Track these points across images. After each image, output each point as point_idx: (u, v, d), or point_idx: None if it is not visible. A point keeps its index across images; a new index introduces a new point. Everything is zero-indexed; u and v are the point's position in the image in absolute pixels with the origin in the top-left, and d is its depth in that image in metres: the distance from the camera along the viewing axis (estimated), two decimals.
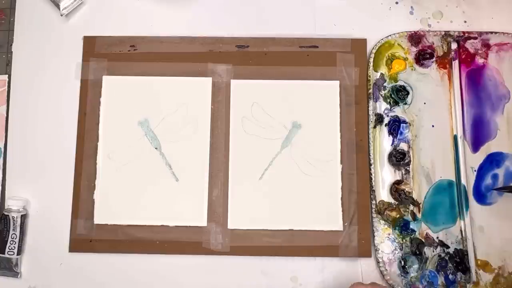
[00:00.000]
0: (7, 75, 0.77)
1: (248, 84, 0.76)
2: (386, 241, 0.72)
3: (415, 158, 0.73)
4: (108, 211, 0.73)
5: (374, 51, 0.76)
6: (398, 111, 0.75)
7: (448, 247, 0.71)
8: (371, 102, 0.75)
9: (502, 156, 0.73)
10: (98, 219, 0.73)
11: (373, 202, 0.73)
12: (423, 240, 0.71)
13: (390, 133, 0.74)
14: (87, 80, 0.76)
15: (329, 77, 0.76)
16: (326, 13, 0.78)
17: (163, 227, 0.73)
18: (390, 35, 0.76)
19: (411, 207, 0.72)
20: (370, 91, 0.75)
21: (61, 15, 0.77)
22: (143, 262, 0.72)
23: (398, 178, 0.73)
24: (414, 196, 0.73)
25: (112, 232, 0.73)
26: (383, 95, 0.75)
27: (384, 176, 0.73)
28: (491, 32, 0.76)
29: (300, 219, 0.72)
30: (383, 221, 0.72)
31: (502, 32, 0.76)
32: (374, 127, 0.74)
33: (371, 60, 0.75)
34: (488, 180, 0.73)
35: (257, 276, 0.72)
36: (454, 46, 0.75)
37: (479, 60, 0.76)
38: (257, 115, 0.75)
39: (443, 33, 0.76)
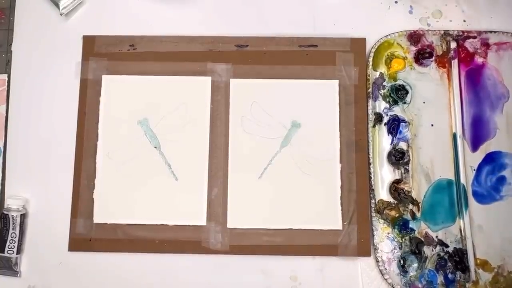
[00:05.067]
0: (6, 75, 0.77)
1: (247, 84, 0.76)
2: (386, 240, 0.72)
3: (414, 157, 0.73)
4: (107, 210, 0.73)
5: (373, 50, 0.76)
6: (397, 110, 0.75)
7: (447, 246, 0.71)
8: (370, 101, 0.75)
9: (501, 155, 0.73)
10: (98, 218, 0.73)
11: (373, 201, 0.73)
12: (422, 239, 0.71)
13: (389, 132, 0.74)
14: (87, 79, 0.76)
15: (328, 76, 0.76)
16: (325, 13, 0.78)
17: (162, 226, 0.73)
18: (389, 34, 0.76)
19: (411, 206, 0.72)
20: (370, 90, 0.75)
21: (61, 15, 0.77)
22: (142, 261, 0.72)
23: (398, 177, 0.73)
24: (414, 195, 0.73)
25: (111, 231, 0.73)
26: (382, 94, 0.75)
27: (384, 175, 0.73)
28: (490, 31, 0.76)
29: (299, 218, 0.72)
30: (383, 220, 0.72)
31: (501, 31, 0.76)
32: (374, 126, 0.74)
33: (371, 59, 0.75)
34: (487, 179, 0.73)
35: (256, 275, 0.72)
36: (453, 45, 0.75)
37: (478, 59, 0.76)
38: (257, 114, 0.75)
39: (442, 32, 0.76)
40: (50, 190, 0.74)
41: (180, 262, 0.72)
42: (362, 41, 0.77)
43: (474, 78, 0.75)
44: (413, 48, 0.76)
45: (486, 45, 0.76)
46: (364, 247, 0.72)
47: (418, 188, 0.73)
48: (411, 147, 0.74)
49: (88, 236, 0.73)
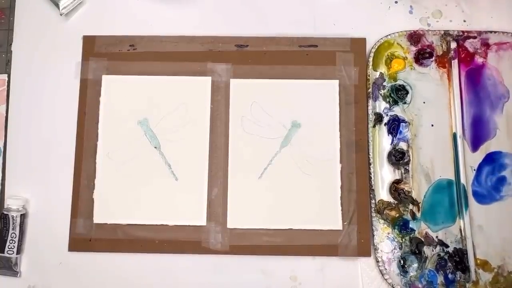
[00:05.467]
0: (6, 75, 0.77)
1: (247, 84, 0.76)
2: (386, 241, 0.72)
3: (414, 157, 0.73)
4: (107, 210, 0.73)
5: (373, 50, 0.76)
6: (397, 110, 0.75)
7: (447, 246, 0.71)
8: (370, 101, 0.75)
9: (501, 155, 0.73)
10: (98, 218, 0.73)
11: (373, 201, 0.73)
12: (422, 239, 0.71)
13: (389, 132, 0.74)
14: (87, 79, 0.76)
15: (328, 76, 0.76)
16: (325, 13, 0.78)
17: (162, 226, 0.73)
18: (389, 35, 0.76)
19: (411, 206, 0.72)
20: (370, 90, 0.75)
21: (61, 15, 0.77)
22: (142, 262, 0.72)
23: (398, 177, 0.73)
24: (414, 195, 0.73)
25: (111, 231, 0.73)
26: (382, 94, 0.75)
27: (384, 175, 0.73)
28: (491, 31, 0.76)
29: (299, 218, 0.72)
30: (383, 221, 0.72)
31: (502, 31, 0.76)
32: (374, 126, 0.74)
33: (371, 59, 0.75)
34: (487, 179, 0.73)
35: (256, 275, 0.72)
36: (453, 45, 0.75)
37: (479, 59, 0.76)
38: (257, 115, 0.75)
39: (442, 32, 0.76)
40: (50, 190, 0.74)
41: (180, 262, 0.72)
42: (362, 41, 0.77)
43: (474, 78, 0.75)
44: (413, 48, 0.76)
45: (486, 45, 0.76)
46: (364, 247, 0.72)
47: (418, 188, 0.73)
48: (411, 147, 0.74)
49: (88, 236, 0.73)
